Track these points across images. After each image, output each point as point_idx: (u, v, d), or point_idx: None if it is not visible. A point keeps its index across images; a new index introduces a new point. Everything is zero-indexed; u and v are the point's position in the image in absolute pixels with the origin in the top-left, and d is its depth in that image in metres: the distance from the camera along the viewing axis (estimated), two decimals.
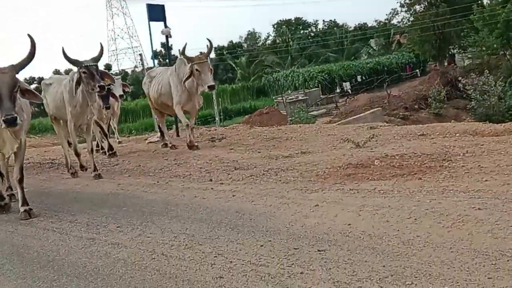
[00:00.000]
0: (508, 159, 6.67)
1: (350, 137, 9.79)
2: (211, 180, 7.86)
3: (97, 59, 8.71)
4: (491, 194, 5.29)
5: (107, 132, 12.09)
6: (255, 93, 61.40)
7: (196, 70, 10.41)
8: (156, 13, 14.30)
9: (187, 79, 10.59)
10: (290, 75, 59.02)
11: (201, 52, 11.28)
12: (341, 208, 5.43)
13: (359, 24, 78.13)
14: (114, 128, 14.81)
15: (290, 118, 30.76)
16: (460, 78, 33.66)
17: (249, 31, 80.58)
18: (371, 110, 28.72)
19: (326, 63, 62.38)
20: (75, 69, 8.96)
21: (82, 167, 9.85)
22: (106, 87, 8.73)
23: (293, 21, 79.38)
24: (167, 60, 20.60)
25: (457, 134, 9.35)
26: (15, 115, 5.71)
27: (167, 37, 14.70)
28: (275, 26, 78.67)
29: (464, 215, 4.71)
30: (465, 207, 4.92)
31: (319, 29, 78.73)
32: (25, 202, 6.86)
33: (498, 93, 29.01)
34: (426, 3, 54.81)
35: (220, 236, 5.03)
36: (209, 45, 11.10)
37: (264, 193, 6.56)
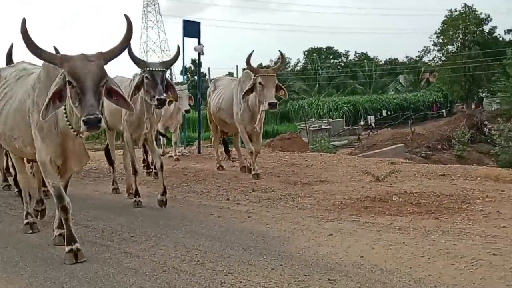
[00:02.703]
0: None
1: (370, 170, 9.77)
2: (228, 199, 7.91)
3: (168, 63, 7.41)
4: (507, 240, 5.24)
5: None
6: (279, 118, 61.55)
7: (260, 84, 9.16)
8: (192, 30, 14.53)
9: (247, 93, 9.39)
10: (316, 103, 59.17)
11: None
12: (355, 240, 5.43)
13: (389, 58, 78.37)
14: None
15: (312, 146, 30.73)
16: (486, 122, 33.38)
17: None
18: (393, 146, 28.52)
19: (353, 95, 62.45)
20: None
21: (137, 194, 7.76)
22: (166, 102, 7.26)
23: (324, 50, 79.78)
24: (195, 77, 20.82)
25: (478, 178, 9.26)
26: (99, 115, 4.28)
27: (199, 54, 14.88)
28: (306, 53, 79.16)
29: (478, 259, 4.68)
30: (480, 251, 4.88)
31: (350, 60, 79.03)
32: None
33: None
34: (459, 44, 54.80)
35: (232, 256, 5.05)
36: (280, 59, 10.42)
37: (279, 217, 6.57)
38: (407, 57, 77.36)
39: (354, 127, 49.01)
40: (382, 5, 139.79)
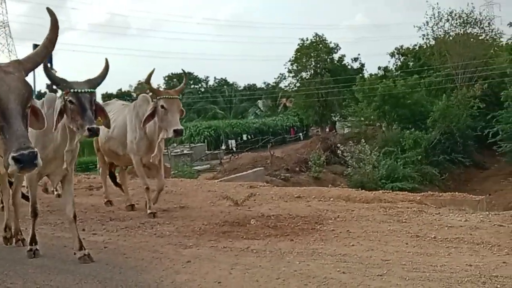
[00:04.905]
0: (374, 226, 7.06)
1: (229, 194, 9.90)
2: (83, 229, 7.59)
3: (96, 82, 5.73)
4: (356, 258, 5.55)
5: None
6: None
7: (162, 107, 7.95)
8: None
9: (148, 118, 8.07)
10: None
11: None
12: (213, 266, 5.45)
13: (248, 84, 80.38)
14: None
15: (174, 172, 30.60)
16: (339, 145, 35.33)
17: (140, 80, 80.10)
18: (254, 169, 29.25)
19: (214, 119, 63.17)
20: None
21: (34, 240, 6.21)
22: (98, 132, 5.73)
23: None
24: None
25: (331, 199, 9.74)
26: (35, 149, 3.15)
27: None
28: (166, 78, 78.97)
29: (329, 278, 4.90)
30: (331, 270, 5.12)
31: (210, 85, 79.98)
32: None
33: (373, 162, 30.81)
34: (312, 71, 57.57)
35: None
36: (184, 79, 9.03)
37: (137, 246, 6.45)
38: (265, 83, 79.79)
39: (215, 152, 49.58)
40: (239, 33, 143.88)
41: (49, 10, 3.79)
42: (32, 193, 6.29)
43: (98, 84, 5.77)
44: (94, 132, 5.56)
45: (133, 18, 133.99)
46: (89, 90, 5.58)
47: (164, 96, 8.07)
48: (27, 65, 3.48)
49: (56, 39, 3.69)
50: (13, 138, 3.09)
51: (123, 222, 8.01)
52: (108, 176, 10.03)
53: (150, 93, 8.76)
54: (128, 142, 8.64)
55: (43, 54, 3.62)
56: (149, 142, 8.47)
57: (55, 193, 10.52)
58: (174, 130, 7.88)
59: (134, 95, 75.53)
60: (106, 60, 5.91)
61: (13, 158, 3.04)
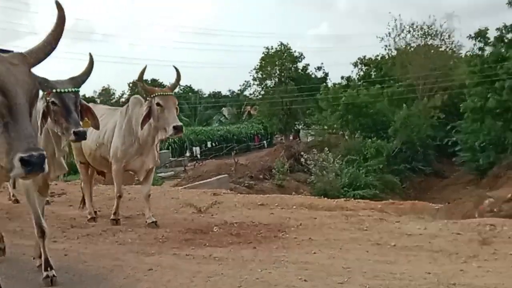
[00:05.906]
0: (336, 234, 7.14)
1: (193, 202, 9.87)
2: None
3: (80, 80, 5.22)
4: (317, 266, 5.60)
5: None
6: None
7: (158, 105, 7.49)
8: None
9: (145, 120, 7.53)
10: None
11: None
12: (175, 274, 5.44)
13: (213, 92, 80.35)
14: None
15: (137, 178, 30.27)
16: (303, 153, 35.53)
17: (104, 86, 79.32)
18: (218, 176, 29.20)
19: None
20: None
21: (49, 265, 5.42)
22: (85, 135, 5.23)
23: (149, 82, 79.49)
24: None
25: (294, 207, 9.79)
26: (44, 151, 2.79)
27: None
28: (131, 84, 78.27)
29: (291, 285, 4.94)
30: (293, 278, 5.15)
31: (175, 92, 79.36)
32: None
33: (336, 170, 31.10)
34: (276, 79, 57.89)
35: None
36: (176, 76, 8.45)
37: (98, 254, 6.38)
38: (230, 90, 79.90)
39: (180, 159, 49.36)
40: (205, 41, 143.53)
41: (57, 4, 3.42)
42: (34, 207, 5.44)
43: (83, 82, 5.25)
44: (81, 136, 5.11)
45: (98, 23, 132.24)
46: (73, 89, 5.10)
47: (159, 93, 7.62)
48: (30, 60, 3.13)
49: (61, 35, 3.34)
50: (21, 137, 2.73)
51: (84, 229, 7.90)
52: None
53: (144, 93, 8.22)
54: (112, 147, 8.12)
55: (47, 51, 3.25)
56: (140, 147, 7.95)
57: (13, 198, 10.34)
58: (174, 127, 7.33)
59: (98, 101, 74.71)
60: (90, 55, 5.38)
61: (22, 159, 2.66)
